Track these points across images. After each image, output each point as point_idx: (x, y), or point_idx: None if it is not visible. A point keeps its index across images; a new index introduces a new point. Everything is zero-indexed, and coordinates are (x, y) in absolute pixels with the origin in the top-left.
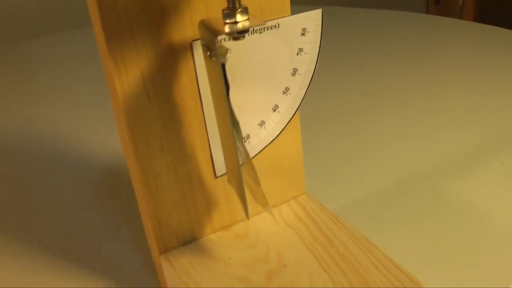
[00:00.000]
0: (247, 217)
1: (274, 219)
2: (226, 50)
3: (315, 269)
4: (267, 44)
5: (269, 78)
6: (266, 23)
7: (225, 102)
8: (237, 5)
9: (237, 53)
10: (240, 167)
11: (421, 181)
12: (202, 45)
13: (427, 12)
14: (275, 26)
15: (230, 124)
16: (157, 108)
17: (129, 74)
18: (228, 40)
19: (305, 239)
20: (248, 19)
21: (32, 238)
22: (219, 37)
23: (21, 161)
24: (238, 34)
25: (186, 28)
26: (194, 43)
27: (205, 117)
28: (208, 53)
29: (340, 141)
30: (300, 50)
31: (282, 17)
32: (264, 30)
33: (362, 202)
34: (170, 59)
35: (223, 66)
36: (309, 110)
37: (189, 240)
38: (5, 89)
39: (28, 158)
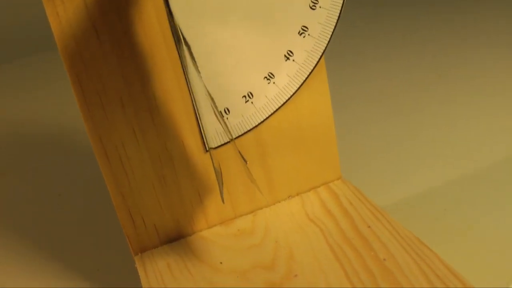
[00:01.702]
0: (222, 199)
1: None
2: None
3: (339, 282)
4: None
5: (277, 12)
6: None
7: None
8: None
9: None
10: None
11: (492, 176)
12: None
13: None
14: None
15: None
16: (111, 50)
17: (65, 0)
18: None
19: (332, 239)
20: None
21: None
22: None
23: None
24: None
25: None
26: None
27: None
28: None
29: (392, 123)
30: None
31: None
32: None
33: (415, 199)
34: None
35: None
36: (354, 85)
37: (175, 238)
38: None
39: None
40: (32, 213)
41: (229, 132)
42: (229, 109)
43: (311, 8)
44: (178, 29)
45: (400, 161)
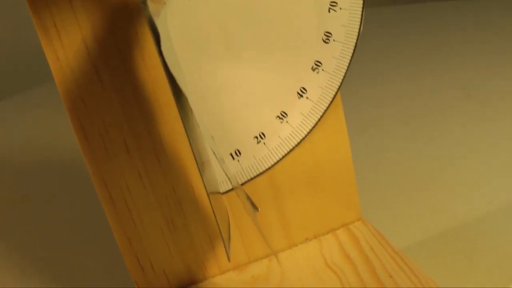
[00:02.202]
0: (228, 257)
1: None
2: None
3: None
4: None
5: (288, 47)
6: None
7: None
8: None
9: (230, 9)
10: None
11: None
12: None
13: None
14: None
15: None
16: (113, 92)
17: (64, 43)
18: None
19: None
20: None
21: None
22: None
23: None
24: None
25: None
26: None
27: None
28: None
29: (415, 151)
30: (333, 4)
31: None
32: None
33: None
34: (126, 17)
35: (151, 23)
36: (373, 108)
37: (186, 284)
38: None
39: None
40: (56, 238)
41: (234, 179)
42: (240, 151)
43: (324, 41)
44: (174, 79)
45: (425, 196)
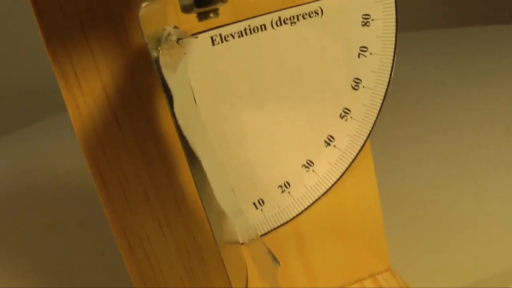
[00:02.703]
0: None
1: None
2: (171, 45)
3: None
4: (307, 42)
5: (315, 94)
6: (301, 7)
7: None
8: None
9: (256, 55)
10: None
11: None
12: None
13: None
14: (316, 13)
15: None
16: (133, 141)
17: (84, 91)
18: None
19: None
20: None
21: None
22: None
23: None
24: (199, 7)
25: (167, 19)
26: (187, 35)
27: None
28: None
29: (449, 194)
30: (363, 49)
31: None
32: (298, 19)
33: None
34: (147, 65)
35: (164, 84)
36: (404, 146)
37: None
38: None
39: None
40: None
41: (253, 231)
42: (264, 200)
43: (353, 88)
44: (186, 142)
45: (460, 245)
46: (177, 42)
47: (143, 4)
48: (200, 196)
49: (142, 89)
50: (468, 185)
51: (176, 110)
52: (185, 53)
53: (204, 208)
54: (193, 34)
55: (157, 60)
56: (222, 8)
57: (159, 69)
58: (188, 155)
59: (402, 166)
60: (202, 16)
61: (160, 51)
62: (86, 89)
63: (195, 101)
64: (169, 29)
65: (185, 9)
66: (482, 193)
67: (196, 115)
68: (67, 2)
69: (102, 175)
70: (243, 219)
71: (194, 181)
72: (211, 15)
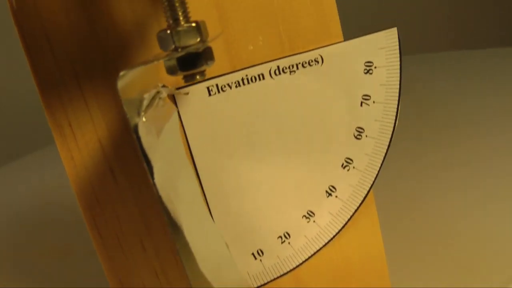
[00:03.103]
0: None
1: None
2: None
3: None
4: (307, 91)
5: (316, 144)
6: (300, 55)
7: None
8: (180, 18)
9: (254, 106)
10: None
11: None
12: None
13: None
14: (316, 61)
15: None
16: (129, 192)
17: (79, 143)
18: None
19: None
20: (200, 42)
21: None
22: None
23: None
24: (184, 71)
25: (154, 79)
26: (178, 92)
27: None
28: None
29: (454, 234)
30: (366, 97)
31: (329, 45)
32: (297, 68)
33: None
34: None
35: (138, 139)
36: (405, 189)
37: None
38: None
39: None
40: None
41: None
42: (263, 251)
43: (356, 137)
44: (168, 213)
45: None
46: (168, 97)
47: (121, 73)
48: (183, 264)
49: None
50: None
51: (156, 180)
52: (177, 109)
53: (187, 275)
54: (188, 85)
55: (135, 128)
56: (218, 57)
57: (138, 139)
58: (169, 224)
59: (408, 214)
60: (188, 78)
61: (143, 117)
62: (81, 140)
63: (188, 156)
64: (158, 88)
65: (170, 71)
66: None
67: (187, 176)
68: (60, 48)
69: (97, 224)
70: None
71: (177, 249)
72: (198, 77)
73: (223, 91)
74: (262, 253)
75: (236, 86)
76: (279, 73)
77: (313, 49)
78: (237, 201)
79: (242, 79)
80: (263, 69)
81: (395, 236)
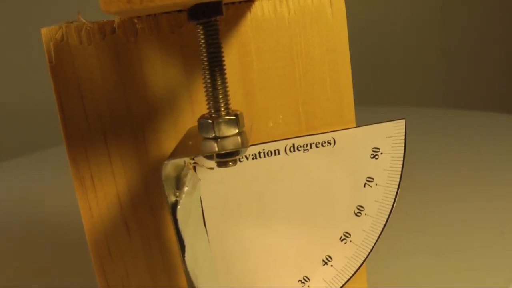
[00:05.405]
0: None
1: None
2: (191, 180)
3: None
4: (317, 168)
5: (319, 217)
6: (315, 136)
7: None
8: (222, 109)
9: (267, 178)
10: None
11: None
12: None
13: None
14: (329, 143)
15: None
16: (140, 245)
17: (98, 195)
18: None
19: None
20: (239, 133)
21: None
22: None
23: None
24: (220, 158)
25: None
26: (203, 167)
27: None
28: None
29: None
30: (369, 179)
31: (342, 130)
32: (311, 147)
33: None
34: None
35: (175, 220)
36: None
37: None
38: None
39: None
40: None
41: None
42: None
43: (356, 214)
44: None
45: None
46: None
47: (165, 162)
48: None
49: (154, 200)
50: None
51: (187, 258)
52: (199, 180)
53: None
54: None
55: (174, 209)
56: None
57: (175, 221)
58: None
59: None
60: (221, 164)
61: (181, 198)
62: (100, 193)
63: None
64: (187, 160)
65: (207, 157)
66: None
67: (204, 249)
68: (91, 104)
69: (105, 274)
70: None
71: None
72: (230, 163)
73: (239, 161)
74: None
75: (253, 158)
76: (294, 150)
77: (327, 132)
78: (237, 262)
79: (259, 153)
80: (280, 145)
81: (395, 236)
